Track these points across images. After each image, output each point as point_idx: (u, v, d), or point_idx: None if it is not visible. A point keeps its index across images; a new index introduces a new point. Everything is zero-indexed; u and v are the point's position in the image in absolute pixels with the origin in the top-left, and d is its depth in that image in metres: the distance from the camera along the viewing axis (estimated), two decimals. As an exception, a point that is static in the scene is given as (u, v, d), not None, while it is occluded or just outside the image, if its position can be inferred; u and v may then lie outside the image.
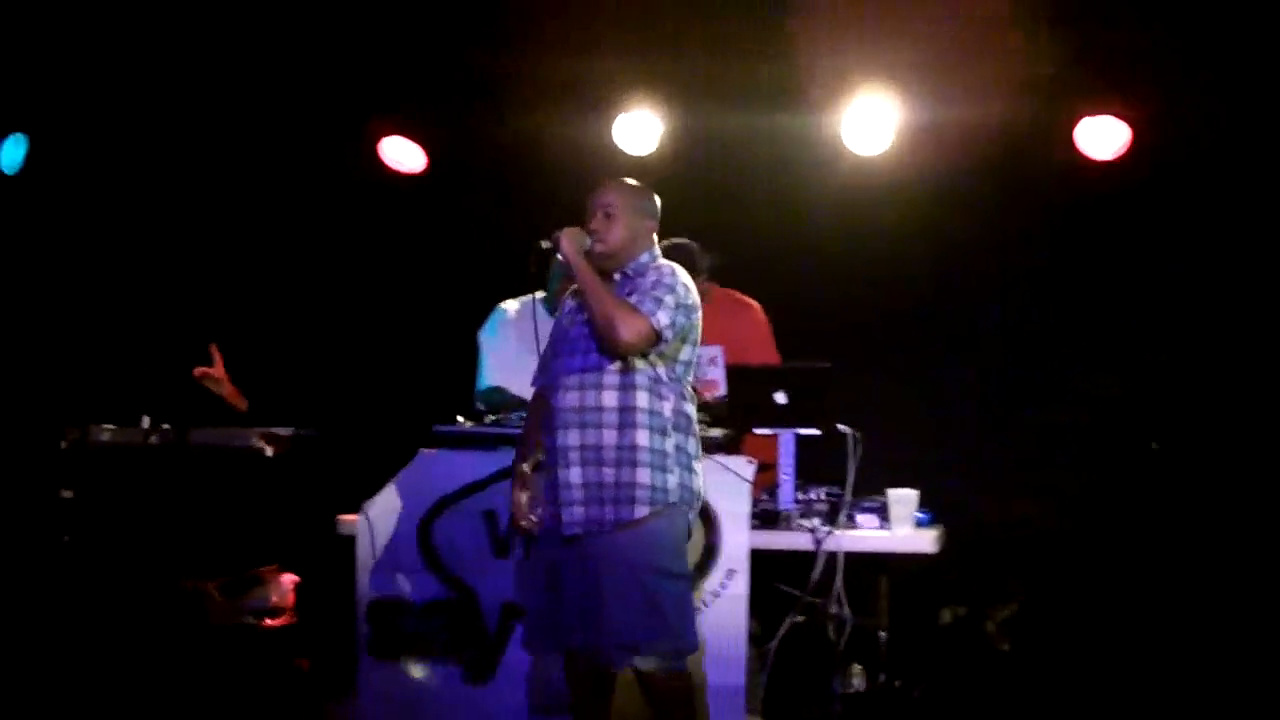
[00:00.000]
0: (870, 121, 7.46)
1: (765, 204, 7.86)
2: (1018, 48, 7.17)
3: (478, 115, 7.88)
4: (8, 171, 7.89)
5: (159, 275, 8.23)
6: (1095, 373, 7.59)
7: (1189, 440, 7.40)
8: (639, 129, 7.75)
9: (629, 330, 5.14)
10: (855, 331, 7.65)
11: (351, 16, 7.63)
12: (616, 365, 5.23)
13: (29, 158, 7.90)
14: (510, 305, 6.59)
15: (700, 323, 5.35)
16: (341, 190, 8.29)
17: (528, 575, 5.53)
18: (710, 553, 5.86)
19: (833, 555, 5.88)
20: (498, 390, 6.31)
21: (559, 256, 5.28)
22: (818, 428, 6.03)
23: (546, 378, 5.39)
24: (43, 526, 6.77)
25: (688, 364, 5.34)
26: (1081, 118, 7.38)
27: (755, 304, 6.96)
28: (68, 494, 6.77)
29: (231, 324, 7.60)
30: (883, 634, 6.00)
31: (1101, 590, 6.95)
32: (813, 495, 6.05)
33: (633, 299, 5.21)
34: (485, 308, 6.65)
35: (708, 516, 5.86)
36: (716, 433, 6.08)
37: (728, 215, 7.56)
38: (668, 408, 5.26)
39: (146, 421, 6.88)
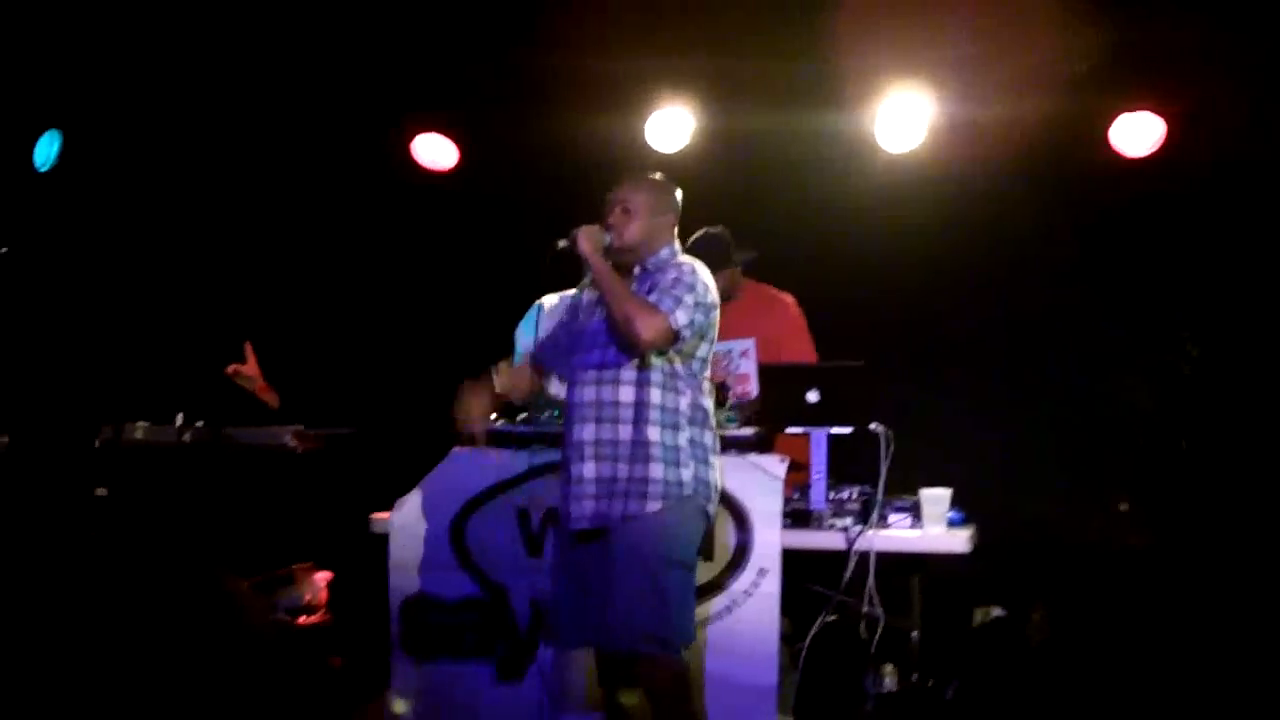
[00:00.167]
0: (903, 118, 7.44)
1: (797, 202, 7.85)
2: (1052, 44, 7.14)
3: (510, 113, 7.89)
4: (41, 168, 7.91)
5: (192, 272, 8.25)
6: (1130, 371, 7.56)
7: (1222, 440, 7.36)
8: (671, 127, 7.75)
9: (647, 329, 5.17)
10: (887, 329, 7.64)
11: (383, 14, 7.63)
12: (633, 361, 5.28)
13: (62, 155, 7.92)
14: (549, 300, 6.58)
15: (718, 319, 5.39)
16: (375, 188, 8.31)
17: (554, 572, 5.57)
18: (742, 551, 5.85)
19: (865, 555, 5.85)
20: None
21: (579, 255, 5.29)
22: (850, 426, 6.01)
23: (566, 369, 5.47)
24: (77, 524, 6.78)
25: (704, 360, 5.39)
26: (1117, 114, 7.35)
27: (789, 298, 6.94)
28: (102, 491, 6.79)
29: (264, 321, 7.63)
30: (915, 634, 5.98)
31: (1135, 590, 6.91)
32: (845, 494, 6.03)
33: (651, 296, 5.24)
34: (518, 305, 6.65)
35: (739, 515, 5.87)
36: (748, 431, 6.08)
37: (759, 213, 7.55)
38: (684, 402, 5.31)
39: (180, 419, 6.90)
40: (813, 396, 6.06)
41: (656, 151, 7.69)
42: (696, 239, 6.72)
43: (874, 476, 5.94)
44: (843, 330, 7.04)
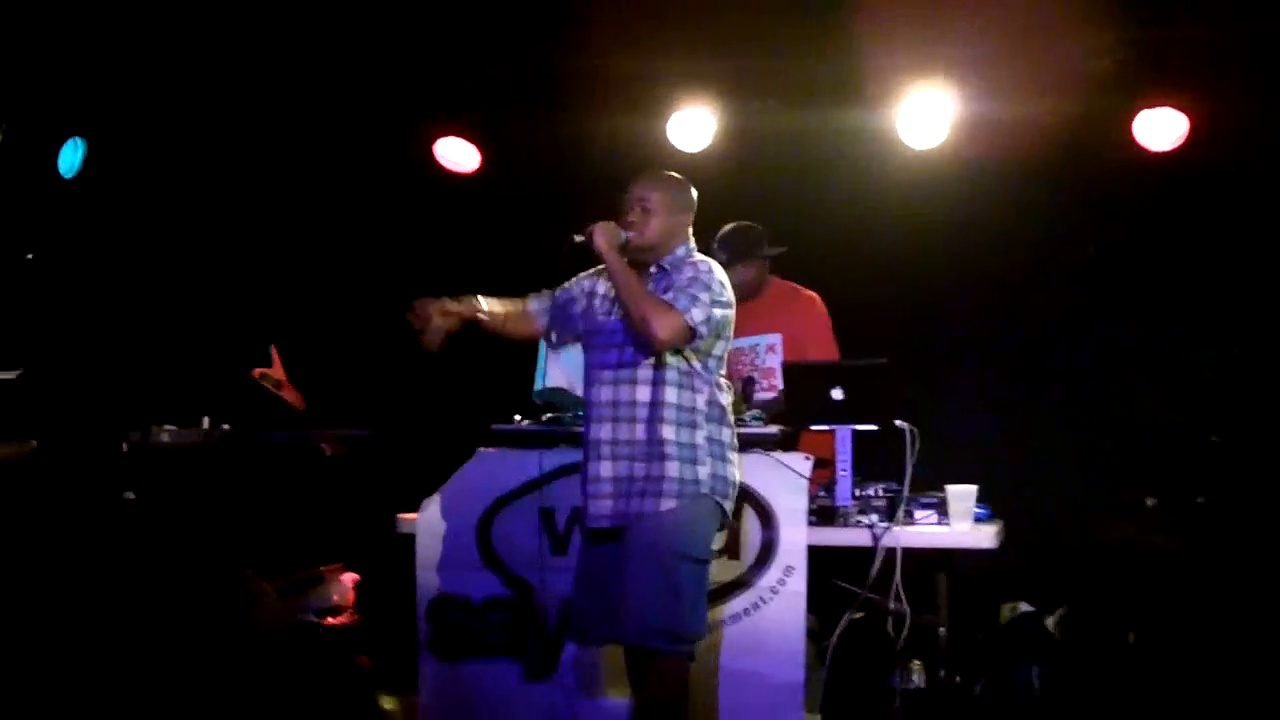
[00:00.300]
0: (925, 116, 7.43)
1: (819, 200, 7.86)
2: (1074, 40, 7.13)
3: (532, 115, 7.89)
4: (66, 175, 7.94)
5: (216, 276, 8.27)
6: (1154, 366, 7.54)
7: (1251, 434, 7.34)
8: (692, 127, 7.75)
9: (663, 328, 5.17)
10: (911, 326, 7.63)
11: (405, 18, 7.64)
12: (649, 360, 5.28)
13: (87, 161, 7.94)
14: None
15: (734, 317, 5.38)
16: (398, 191, 8.33)
17: (577, 570, 5.57)
18: (767, 549, 5.86)
19: (891, 551, 5.85)
20: (558, 390, 6.31)
21: (594, 250, 5.29)
22: (875, 424, 6.01)
23: (584, 370, 5.48)
24: (104, 528, 6.81)
25: (720, 357, 5.39)
26: (1139, 109, 7.33)
27: (814, 295, 6.94)
28: (129, 495, 6.81)
29: (289, 324, 7.65)
30: (942, 630, 5.98)
31: (1165, 586, 6.90)
32: (870, 491, 6.02)
33: (667, 295, 5.24)
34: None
35: (765, 513, 5.87)
36: (773, 429, 6.08)
37: (781, 212, 7.52)
38: (700, 400, 5.31)
39: (206, 422, 6.92)
40: (837, 394, 6.05)
41: (678, 151, 7.69)
42: (728, 229, 6.74)
43: (899, 473, 5.93)
44: (866, 328, 7.03)
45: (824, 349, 6.76)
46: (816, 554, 5.86)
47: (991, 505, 6.05)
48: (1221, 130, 7.25)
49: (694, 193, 5.47)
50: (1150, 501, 7.02)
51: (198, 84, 7.92)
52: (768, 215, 7.10)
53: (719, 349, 5.36)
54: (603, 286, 5.47)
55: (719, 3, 7.39)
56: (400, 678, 6.44)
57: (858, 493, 6.03)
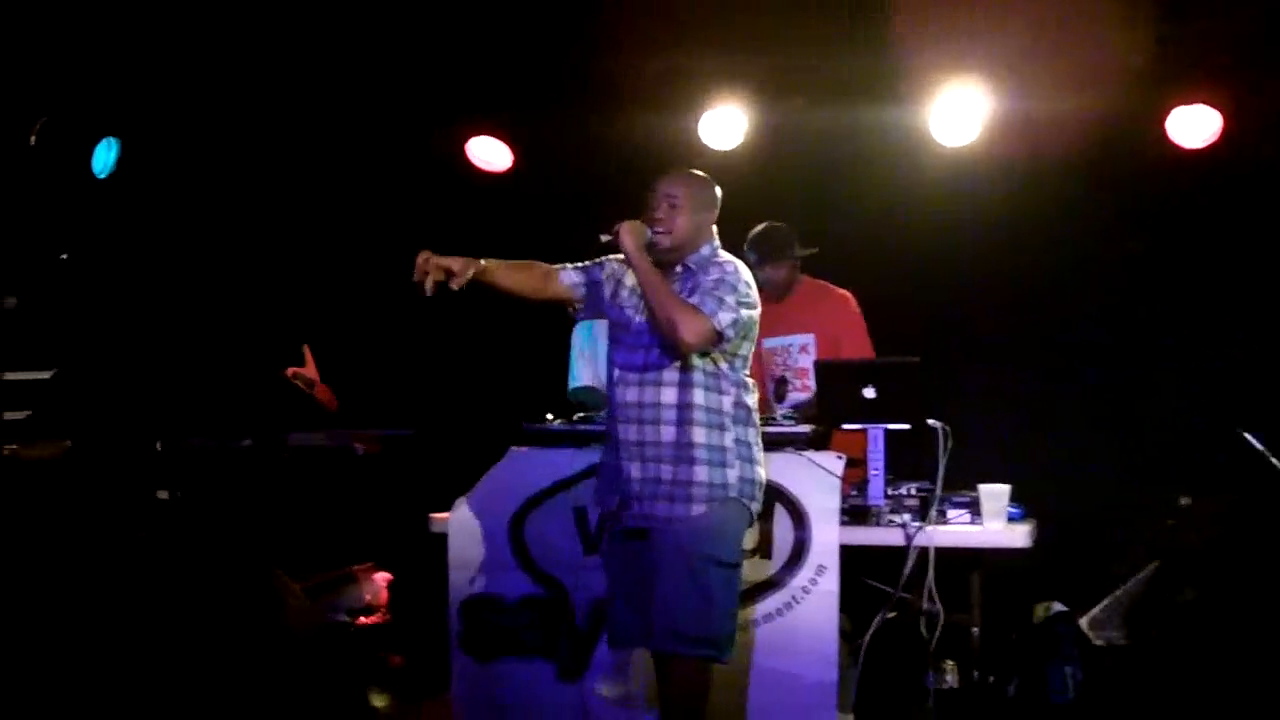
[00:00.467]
0: (958, 113, 7.41)
1: (851, 198, 7.84)
2: (1107, 37, 7.09)
3: (564, 114, 7.89)
4: (100, 175, 7.97)
5: (249, 276, 8.29)
6: (1188, 364, 7.51)
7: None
8: (724, 125, 7.74)
9: (690, 332, 5.14)
10: (944, 325, 7.61)
11: (438, 18, 7.65)
12: (675, 363, 5.25)
13: (120, 161, 7.97)
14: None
15: (759, 318, 5.35)
16: (431, 191, 8.34)
17: (605, 572, 5.57)
18: (800, 549, 5.85)
19: (924, 551, 5.85)
20: (589, 390, 6.30)
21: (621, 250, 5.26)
22: (907, 422, 6.00)
23: (609, 367, 5.45)
24: (138, 528, 6.83)
25: (746, 358, 5.37)
26: (1173, 106, 7.30)
27: (847, 293, 6.94)
28: (163, 495, 6.84)
29: (322, 324, 7.66)
30: (975, 630, 5.96)
31: (1196, 584, 6.86)
32: (903, 490, 6.01)
33: (694, 298, 5.21)
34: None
35: (797, 512, 5.87)
36: (805, 428, 6.07)
37: (813, 209, 7.54)
38: (727, 402, 5.29)
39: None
40: (869, 393, 6.04)
41: (710, 150, 7.68)
42: (759, 230, 6.74)
43: (932, 472, 5.92)
44: (899, 326, 7.02)
45: (858, 348, 6.76)
46: (849, 553, 5.85)
47: (1025, 504, 6.03)
48: (1255, 127, 7.22)
49: (719, 191, 5.44)
50: (1184, 500, 6.98)
51: (231, 84, 7.93)
52: (799, 213, 7.09)
53: (745, 350, 5.34)
54: (630, 278, 5.42)
55: (750, 1, 7.37)
56: (432, 677, 6.46)
57: (890, 492, 6.02)
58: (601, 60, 7.68)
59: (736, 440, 5.30)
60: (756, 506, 5.38)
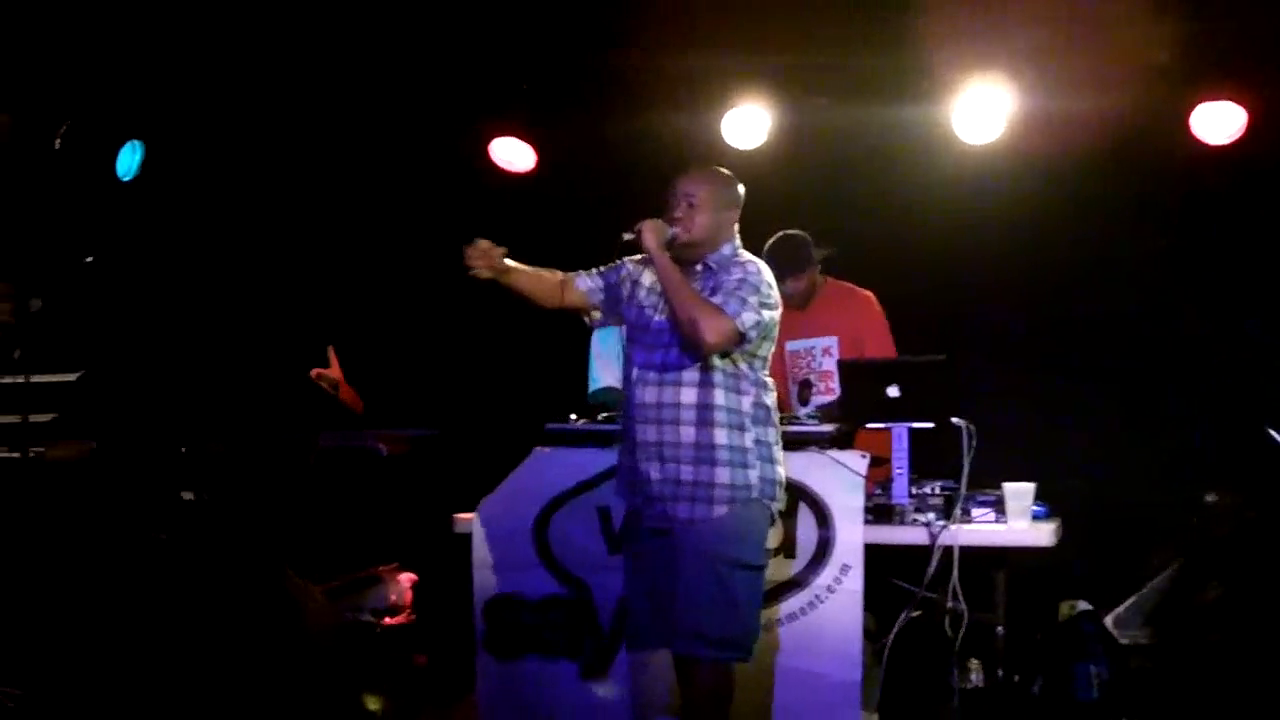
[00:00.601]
0: (982, 110, 7.39)
1: (875, 196, 7.82)
2: (1131, 33, 7.07)
3: (586, 114, 7.90)
4: (124, 178, 7.99)
5: (275, 277, 8.31)
6: (1213, 361, 7.49)
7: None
8: (747, 124, 7.73)
9: (713, 332, 5.10)
10: (968, 323, 7.60)
11: (461, 19, 7.66)
12: (696, 363, 5.20)
13: (145, 164, 7.99)
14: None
15: (779, 319, 5.33)
16: (453, 191, 8.35)
17: (625, 573, 5.52)
18: (824, 548, 5.84)
19: (948, 550, 5.83)
20: (610, 390, 6.29)
21: (643, 248, 5.22)
22: (931, 421, 5.98)
23: (626, 368, 5.40)
24: (164, 529, 6.85)
25: (766, 358, 5.33)
26: (1198, 103, 7.27)
27: (870, 294, 6.92)
28: (188, 496, 6.86)
29: (347, 325, 7.68)
30: (1000, 629, 5.94)
31: (1221, 580, 6.83)
32: (927, 489, 6.00)
33: (716, 298, 5.17)
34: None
35: (821, 511, 5.86)
36: (829, 427, 6.06)
37: (837, 208, 7.54)
38: (746, 402, 5.26)
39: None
40: (893, 391, 6.03)
41: (733, 149, 7.67)
42: (775, 242, 6.71)
43: (956, 471, 5.90)
44: (923, 324, 7.02)
45: (881, 348, 6.74)
46: (873, 552, 5.84)
47: (1049, 502, 6.01)
48: (1281, 122, 7.19)
49: (741, 189, 5.41)
50: (1210, 497, 6.96)
51: (255, 86, 7.95)
52: (822, 212, 7.10)
53: (764, 350, 5.31)
54: (648, 277, 5.40)
55: (772, 0, 7.36)
56: (457, 677, 6.46)
57: (914, 490, 6.01)
58: (624, 60, 7.69)
59: (757, 440, 5.27)
60: (778, 506, 5.37)
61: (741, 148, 7.71)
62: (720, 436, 5.21)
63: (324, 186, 8.35)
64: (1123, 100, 7.15)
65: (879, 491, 6.05)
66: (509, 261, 5.37)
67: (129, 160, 7.97)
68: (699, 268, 5.31)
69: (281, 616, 6.36)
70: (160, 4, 7.59)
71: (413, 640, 6.88)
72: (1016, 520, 5.86)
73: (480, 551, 6.19)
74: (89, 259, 7.55)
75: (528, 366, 8.01)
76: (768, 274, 5.31)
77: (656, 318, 5.33)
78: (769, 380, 5.37)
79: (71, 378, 7.53)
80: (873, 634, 6.02)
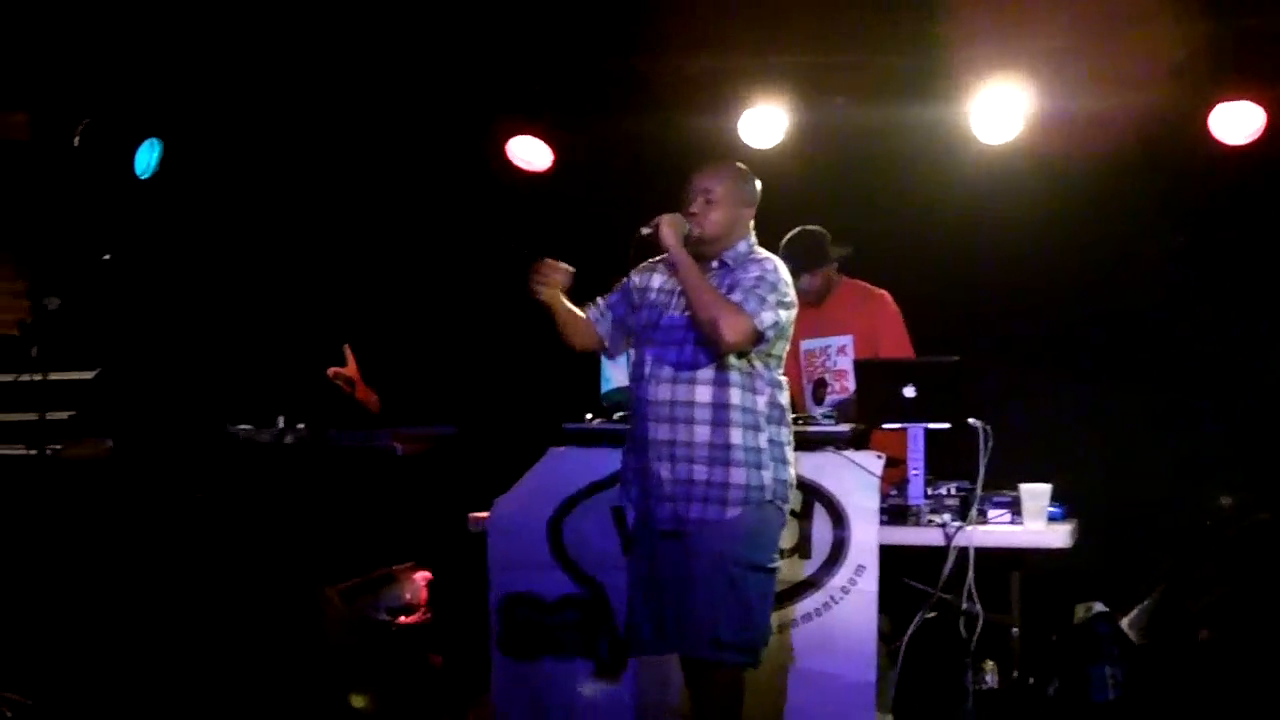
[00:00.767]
0: (1000, 110, 7.37)
1: (892, 196, 7.81)
2: (1149, 33, 7.05)
3: (604, 114, 7.89)
4: (142, 176, 8.01)
5: (292, 275, 8.33)
6: (1230, 363, 7.46)
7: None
8: (764, 123, 7.72)
9: (733, 331, 5.06)
10: (985, 323, 7.57)
11: (479, 18, 7.66)
12: (711, 361, 5.15)
13: (162, 162, 8.01)
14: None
15: (795, 318, 5.29)
16: (471, 190, 8.35)
17: (629, 576, 5.44)
18: (839, 548, 5.83)
19: (964, 551, 5.82)
20: (624, 390, 6.26)
21: (660, 244, 5.18)
22: (947, 422, 5.97)
23: (637, 366, 5.32)
24: (180, 525, 6.87)
25: (780, 357, 5.28)
26: (1216, 103, 7.24)
27: (886, 294, 6.91)
28: (204, 493, 6.88)
29: (363, 323, 7.68)
30: (1015, 630, 5.94)
31: (1239, 586, 6.82)
32: (943, 490, 6.00)
33: (735, 295, 5.12)
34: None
35: (836, 512, 5.85)
36: (845, 428, 6.06)
37: (854, 208, 7.52)
38: (761, 402, 5.20)
39: (281, 421, 6.96)
40: (909, 392, 6.03)
41: (750, 149, 7.66)
42: (792, 237, 6.70)
43: (972, 472, 5.89)
44: (939, 325, 7.00)
45: (897, 348, 6.73)
46: (888, 553, 5.83)
47: (1065, 504, 6.00)
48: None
49: (758, 185, 5.38)
50: (1226, 500, 6.94)
51: (273, 83, 7.96)
52: (839, 212, 7.08)
53: (779, 349, 5.26)
54: (658, 280, 5.36)
55: (790, 0, 7.36)
56: (472, 676, 6.47)
57: (930, 491, 6.01)
58: (641, 59, 7.68)
59: (771, 441, 5.21)
60: (789, 508, 5.34)
61: (758, 147, 7.70)
62: (735, 436, 5.15)
63: (341, 185, 8.36)
64: (1141, 100, 7.13)
65: (894, 492, 6.05)
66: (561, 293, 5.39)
67: (147, 158, 7.98)
68: (714, 264, 5.26)
69: (297, 615, 6.38)
70: (179, 2, 7.60)
71: (428, 639, 6.88)
72: (1032, 521, 5.85)
73: (495, 551, 6.19)
74: (107, 257, 7.57)
75: (544, 366, 7.99)
76: (784, 272, 5.27)
77: (667, 315, 5.27)
78: (783, 379, 5.32)
79: (89, 375, 7.55)
80: (888, 635, 6.02)
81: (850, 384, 6.65)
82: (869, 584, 5.78)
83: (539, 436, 6.32)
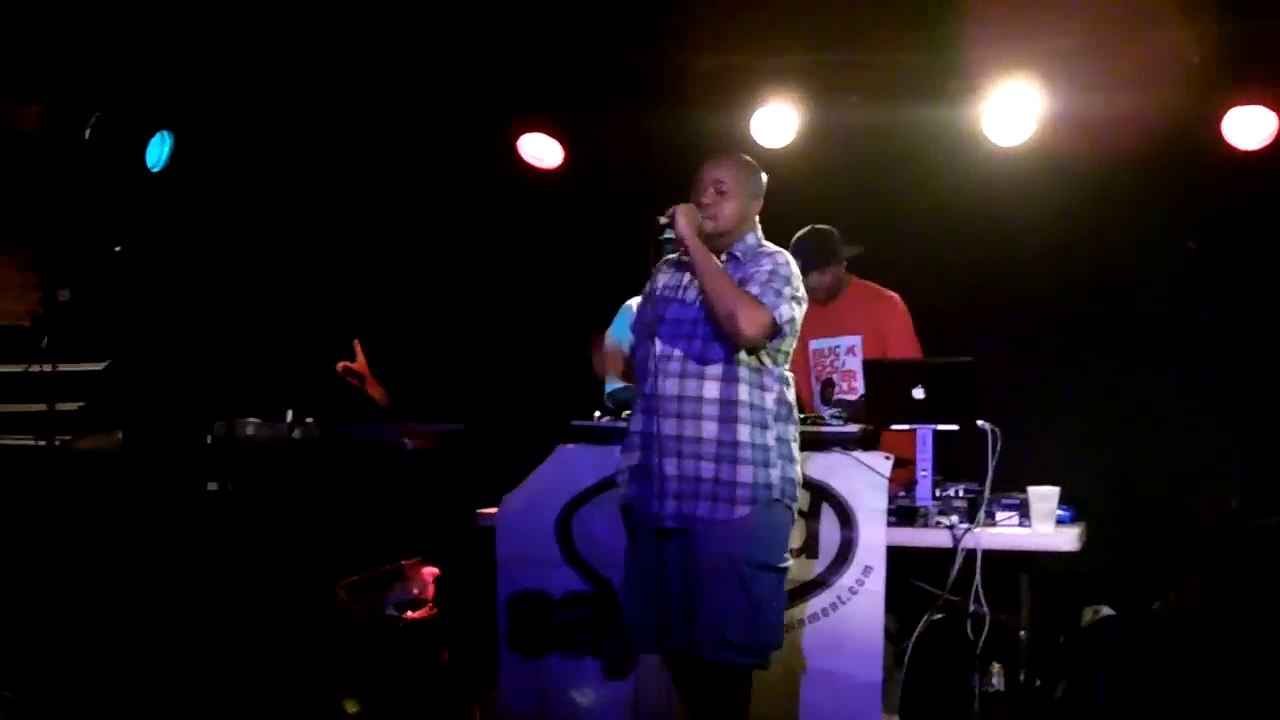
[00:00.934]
0: (1012, 112, 7.36)
1: (903, 196, 7.80)
2: (1162, 36, 7.04)
3: (615, 111, 7.89)
4: (153, 169, 8.01)
5: (302, 270, 8.33)
6: (1241, 367, 7.46)
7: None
8: (776, 122, 7.71)
9: (751, 325, 5.02)
10: (995, 325, 7.57)
11: (491, 15, 7.66)
12: (721, 356, 5.09)
13: (174, 155, 8.01)
14: (637, 302, 6.51)
15: (804, 316, 5.27)
16: (482, 186, 8.35)
17: (626, 573, 5.39)
18: (846, 548, 5.83)
19: (971, 552, 5.82)
20: (628, 389, 6.26)
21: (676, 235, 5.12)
22: (956, 423, 5.97)
23: (642, 361, 5.26)
24: (189, 519, 6.88)
25: (788, 353, 5.24)
26: (1229, 107, 7.23)
27: (895, 295, 6.91)
28: (213, 486, 6.88)
29: (373, 318, 7.69)
30: (1022, 633, 5.93)
31: (1248, 589, 6.82)
32: (951, 492, 5.99)
33: (751, 288, 5.07)
34: (624, 301, 6.65)
35: (844, 512, 5.85)
36: (854, 428, 6.05)
37: (865, 208, 7.52)
38: (770, 399, 5.16)
39: (290, 415, 6.96)
40: (918, 393, 6.02)
41: (761, 147, 7.66)
42: (803, 235, 6.70)
43: (981, 474, 5.89)
44: (950, 326, 7.00)
45: (906, 349, 6.73)
46: (896, 555, 5.83)
47: (1074, 507, 6.00)
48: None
49: (764, 178, 5.35)
50: (1234, 502, 6.94)
51: (285, 78, 7.96)
52: (850, 211, 7.08)
53: (788, 345, 5.22)
54: (661, 279, 5.31)
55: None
56: (480, 672, 6.47)
57: (938, 493, 5.99)
58: (654, 57, 7.67)
59: (778, 439, 5.16)
60: (796, 507, 5.31)
61: (770, 146, 7.69)
62: (744, 434, 5.10)
63: (352, 179, 8.36)
64: (1153, 103, 7.11)
65: (903, 493, 6.04)
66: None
67: (158, 151, 7.99)
68: (723, 258, 5.21)
69: (305, 609, 6.39)
70: (191, -4, 7.63)
71: (435, 635, 6.88)
72: (1040, 524, 5.85)
73: (504, 547, 6.20)
74: (118, 249, 7.58)
75: (553, 362, 8.00)
76: (795, 266, 5.23)
77: (674, 309, 5.21)
78: (790, 376, 5.29)
79: (99, 367, 7.56)
80: (894, 636, 6.01)
81: (859, 385, 6.65)
82: (876, 584, 5.78)
83: (548, 433, 6.32)
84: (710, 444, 5.11)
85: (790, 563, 5.32)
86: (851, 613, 5.79)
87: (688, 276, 5.25)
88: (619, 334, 6.47)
